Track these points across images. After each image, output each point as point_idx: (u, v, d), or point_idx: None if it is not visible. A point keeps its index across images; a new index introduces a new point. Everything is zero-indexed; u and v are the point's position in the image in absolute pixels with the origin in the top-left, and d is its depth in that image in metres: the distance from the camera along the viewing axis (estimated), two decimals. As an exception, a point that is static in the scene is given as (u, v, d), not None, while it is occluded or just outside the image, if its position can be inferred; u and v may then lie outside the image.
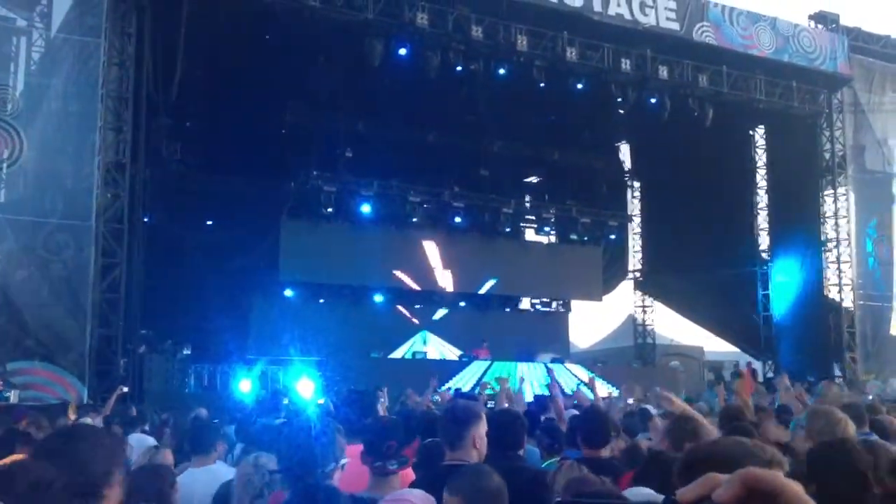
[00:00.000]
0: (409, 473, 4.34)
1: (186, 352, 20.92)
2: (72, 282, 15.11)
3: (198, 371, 19.93)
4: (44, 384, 14.75)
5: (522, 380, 13.77)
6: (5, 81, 15.33)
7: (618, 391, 17.98)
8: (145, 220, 18.17)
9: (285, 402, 11.48)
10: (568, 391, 19.01)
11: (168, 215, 20.02)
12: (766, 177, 26.21)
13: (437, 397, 10.56)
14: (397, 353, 24.26)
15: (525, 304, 28.79)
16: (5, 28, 15.73)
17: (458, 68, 19.27)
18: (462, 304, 26.97)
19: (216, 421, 6.16)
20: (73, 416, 10.39)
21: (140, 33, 16.36)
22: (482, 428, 4.37)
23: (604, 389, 19.77)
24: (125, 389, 12.08)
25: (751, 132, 26.05)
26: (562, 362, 21.82)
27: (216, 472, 5.01)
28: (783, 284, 24.48)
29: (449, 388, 16.48)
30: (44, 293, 14.87)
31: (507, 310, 28.48)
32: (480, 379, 21.16)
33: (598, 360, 24.86)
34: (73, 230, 15.11)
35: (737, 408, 6.71)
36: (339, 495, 3.42)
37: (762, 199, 26.31)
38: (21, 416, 10.35)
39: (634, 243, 30.32)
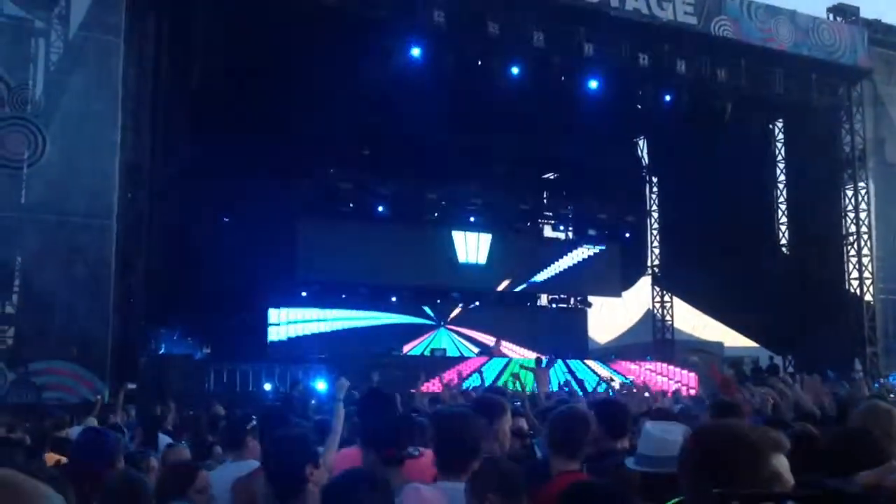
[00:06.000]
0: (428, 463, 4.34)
1: (206, 351, 21.04)
2: (94, 281, 15.17)
3: (217, 370, 19.99)
4: (65, 384, 14.82)
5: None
6: (25, 81, 15.42)
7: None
8: (165, 220, 18.26)
9: (312, 402, 11.53)
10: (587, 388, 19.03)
11: (186, 215, 20.07)
12: (785, 171, 26.05)
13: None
14: (410, 346, 24.33)
15: (543, 300, 28.77)
16: (24, 29, 15.80)
17: (475, 65, 19.28)
18: (479, 301, 26.96)
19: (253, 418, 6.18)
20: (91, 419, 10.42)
21: (158, 33, 16.46)
22: (506, 422, 4.39)
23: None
24: (131, 386, 12.09)
25: (770, 126, 25.88)
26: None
27: (251, 465, 5.04)
28: (803, 279, 24.28)
29: (469, 386, 16.50)
30: (66, 293, 14.90)
31: (528, 304, 28.48)
32: (500, 375, 21.18)
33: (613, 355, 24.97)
34: (95, 229, 15.18)
35: (730, 402, 6.69)
36: None
37: (782, 193, 26.15)
38: (44, 417, 10.46)
39: (653, 239, 30.21)
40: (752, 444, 1.97)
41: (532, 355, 20.83)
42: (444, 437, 3.90)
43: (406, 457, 3.96)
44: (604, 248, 28.30)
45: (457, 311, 26.51)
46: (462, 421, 3.96)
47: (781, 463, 1.97)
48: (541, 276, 27.35)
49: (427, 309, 26.01)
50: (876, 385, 18.07)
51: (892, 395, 11.70)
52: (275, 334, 23.67)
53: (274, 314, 23.61)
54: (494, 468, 3.47)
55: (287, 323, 23.57)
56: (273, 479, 3.62)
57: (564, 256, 27.97)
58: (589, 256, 27.98)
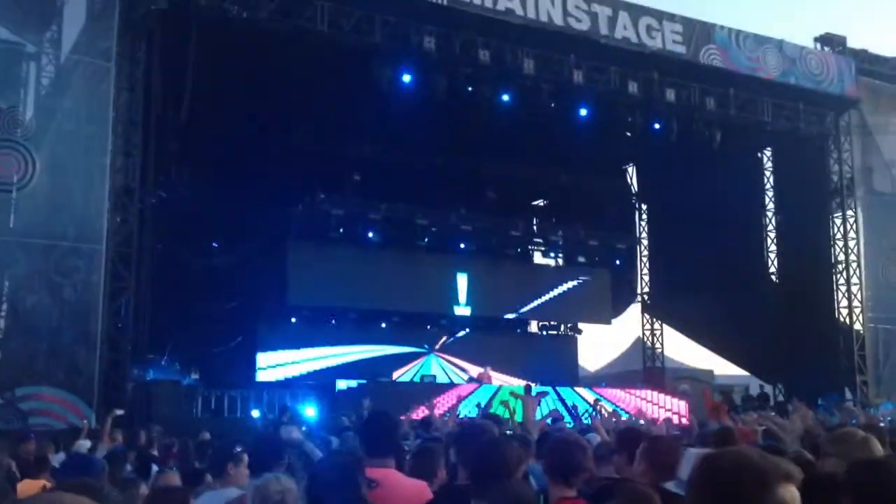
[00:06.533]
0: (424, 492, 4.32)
1: (194, 376, 20.90)
2: (82, 306, 15.07)
3: (205, 396, 19.86)
4: (52, 410, 14.68)
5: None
6: (15, 104, 15.39)
7: (626, 414, 17.93)
8: (157, 245, 18.20)
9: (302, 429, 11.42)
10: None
11: (176, 239, 20.01)
12: (773, 199, 26.18)
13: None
14: (399, 372, 24.21)
15: (533, 327, 28.72)
16: (15, 52, 15.81)
17: (466, 91, 19.38)
18: (469, 328, 26.88)
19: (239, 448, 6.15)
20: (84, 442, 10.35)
21: (149, 58, 16.48)
22: None
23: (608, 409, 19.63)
24: (119, 412, 11.98)
25: (758, 154, 26.05)
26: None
27: (230, 493, 4.97)
28: (793, 307, 24.34)
29: (458, 413, 16.41)
30: (54, 317, 14.83)
31: (518, 331, 28.43)
32: (488, 403, 21.10)
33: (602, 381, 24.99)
34: (84, 254, 15.10)
35: (730, 431, 6.66)
36: None
37: (770, 221, 26.26)
38: (25, 440, 10.34)
39: (642, 266, 30.26)
40: (758, 472, 1.93)
41: (520, 383, 20.75)
42: (481, 460, 3.95)
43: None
44: (594, 275, 28.28)
45: (445, 337, 26.40)
46: (500, 445, 4.06)
47: (791, 493, 1.93)
48: (531, 303, 27.30)
49: (417, 335, 25.89)
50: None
51: (883, 424, 11.70)
52: (262, 377, 23.41)
53: (262, 358, 23.32)
54: (509, 490, 3.47)
55: (276, 366, 23.30)
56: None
57: (554, 283, 27.95)
58: (579, 283, 27.97)
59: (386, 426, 4.87)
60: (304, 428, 11.65)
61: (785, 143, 24.24)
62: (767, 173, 26.31)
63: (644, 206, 30.33)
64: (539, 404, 17.41)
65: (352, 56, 18.25)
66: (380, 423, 4.94)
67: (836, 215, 24.12)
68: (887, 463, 3.62)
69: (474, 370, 23.80)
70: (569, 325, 28.78)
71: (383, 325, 25.49)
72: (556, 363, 26.73)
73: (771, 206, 26.29)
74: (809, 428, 7.88)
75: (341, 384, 19.76)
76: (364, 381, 19.18)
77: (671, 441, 6.34)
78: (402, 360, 25.04)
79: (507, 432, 8.88)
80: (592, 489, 4.38)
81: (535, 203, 28.76)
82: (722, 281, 24.76)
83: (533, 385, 18.79)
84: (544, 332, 28.65)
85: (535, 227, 27.46)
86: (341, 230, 23.27)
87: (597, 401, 19.07)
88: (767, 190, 26.32)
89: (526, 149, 23.48)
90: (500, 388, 21.21)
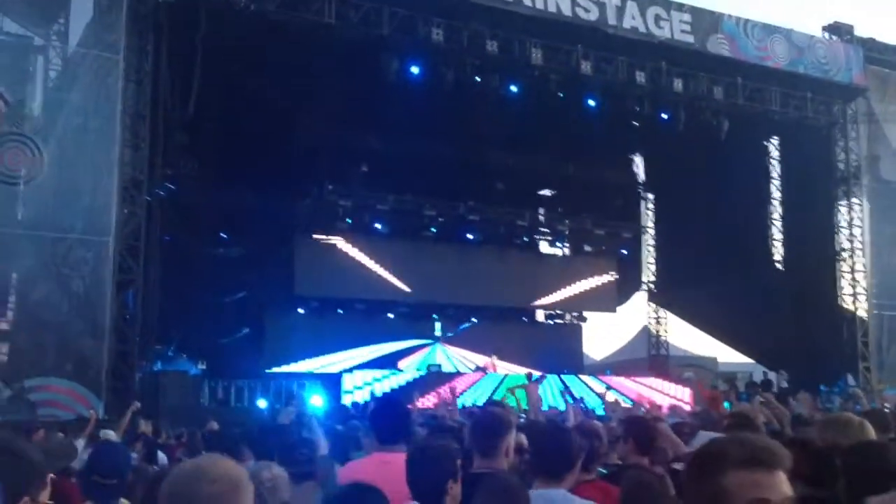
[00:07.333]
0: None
1: (202, 367, 20.98)
2: (90, 298, 15.12)
3: (212, 386, 19.92)
4: (61, 401, 14.74)
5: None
6: (23, 98, 15.40)
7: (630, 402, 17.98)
8: (165, 237, 18.23)
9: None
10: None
11: (184, 231, 20.03)
12: (780, 187, 26.15)
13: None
14: (405, 362, 24.28)
15: (539, 316, 28.78)
16: (23, 46, 15.82)
17: (473, 82, 19.36)
18: (477, 317, 26.95)
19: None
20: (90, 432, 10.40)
21: (157, 50, 16.47)
22: (513, 437, 4.46)
23: (612, 397, 19.69)
24: (139, 405, 12.06)
25: (765, 143, 26.01)
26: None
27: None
28: (797, 294, 24.35)
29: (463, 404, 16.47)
30: (63, 309, 14.87)
31: (524, 319, 28.50)
32: (494, 391, 21.19)
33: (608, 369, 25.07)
34: (92, 246, 15.12)
35: (747, 414, 6.70)
36: None
37: (776, 209, 26.25)
38: (34, 429, 10.41)
39: (648, 255, 30.30)
40: (706, 457, 1.87)
41: (524, 371, 20.81)
42: (541, 447, 4.11)
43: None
44: (600, 264, 28.33)
45: (454, 325, 26.46)
46: (559, 433, 4.25)
47: (752, 479, 1.80)
48: (537, 292, 27.35)
49: (424, 324, 25.95)
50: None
51: (887, 407, 11.76)
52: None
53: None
54: (499, 484, 3.50)
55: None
56: (413, 489, 3.62)
57: (561, 272, 28.00)
58: (584, 272, 28.01)
59: (397, 413, 4.89)
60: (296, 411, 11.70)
61: (792, 131, 24.19)
62: (774, 162, 26.30)
63: (650, 196, 30.34)
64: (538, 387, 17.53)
65: (360, 48, 18.23)
66: (391, 410, 4.96)
67: (841, 203, 24.09)
68: (879, 445, 3.68)
69: (480, 359, 23.91)
70: (574, 314, 28.85)
71: (390, 315, 25.55)
72: (562, 352, 26.82)
73: (777, 194, 26.26)
74: (809, 413, 7.96)
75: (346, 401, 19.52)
76: (369, 399, 19.07)
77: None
78: (408, 349, 25.14)
79: (521, 418, 8.96)
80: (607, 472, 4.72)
81: (542, 193, 28.76)
82: (727, 269, 24.76)
83: (534, 373, 18.85)
84: (550, 321, 28.73)
85: (541, 217, 27.50)
86: (349, 221, 23.34)
87: (606, 390, 19.15)
88: (773, 178, 26.29)
89: (533, 139, 23.45)
90: (505, 376, 21.30)
